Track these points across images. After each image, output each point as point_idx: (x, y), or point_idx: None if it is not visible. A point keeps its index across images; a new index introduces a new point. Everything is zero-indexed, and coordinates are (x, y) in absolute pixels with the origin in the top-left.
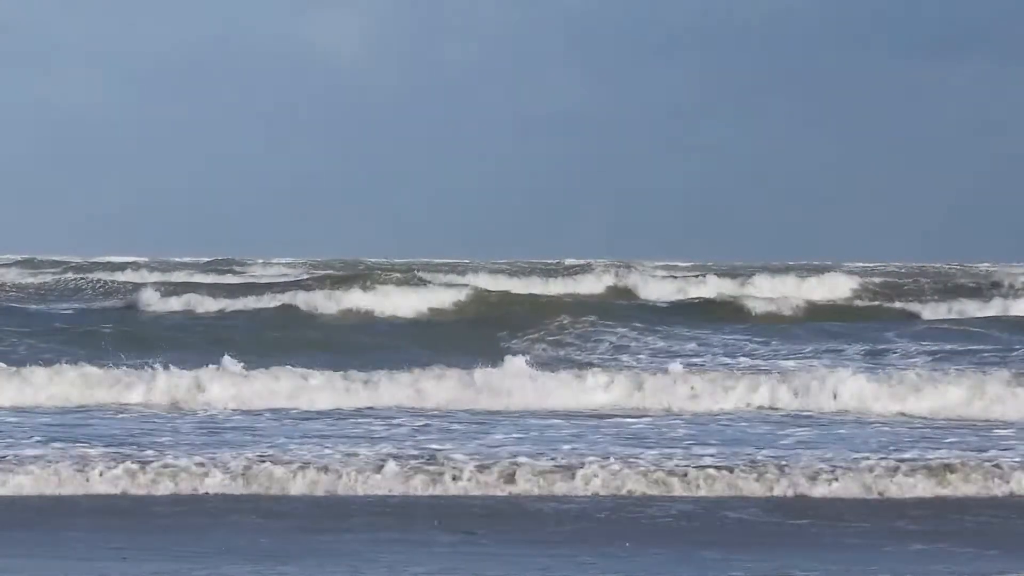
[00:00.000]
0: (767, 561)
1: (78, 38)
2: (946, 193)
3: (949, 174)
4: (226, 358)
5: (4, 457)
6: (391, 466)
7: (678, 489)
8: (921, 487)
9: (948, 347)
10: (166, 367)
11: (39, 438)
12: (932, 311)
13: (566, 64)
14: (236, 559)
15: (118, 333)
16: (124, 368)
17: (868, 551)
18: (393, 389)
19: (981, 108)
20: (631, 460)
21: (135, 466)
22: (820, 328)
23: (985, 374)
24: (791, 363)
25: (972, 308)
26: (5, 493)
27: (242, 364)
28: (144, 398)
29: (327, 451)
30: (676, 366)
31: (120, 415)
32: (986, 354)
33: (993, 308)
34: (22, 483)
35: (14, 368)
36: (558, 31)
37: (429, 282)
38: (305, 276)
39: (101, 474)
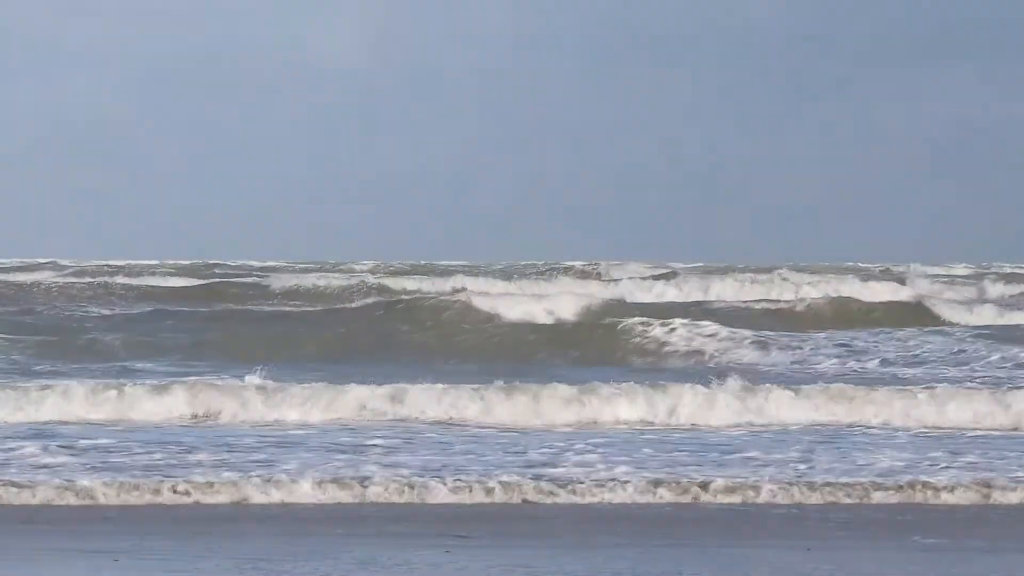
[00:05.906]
0: None
1: (81, 43)
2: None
3: (938, 177)
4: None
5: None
6: None
7: None
8: None
9: None
10: None
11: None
12: None
13: (567, 68)
14: None
15: None
16: None
17: None
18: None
19: (971, 111)
20: None
21: None
22: None
23: None
24: None
25: None
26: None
27: None
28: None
29: None
30: None
31: None
32: None
33: None
34: None
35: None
36: (560, 36)
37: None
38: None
39: None
